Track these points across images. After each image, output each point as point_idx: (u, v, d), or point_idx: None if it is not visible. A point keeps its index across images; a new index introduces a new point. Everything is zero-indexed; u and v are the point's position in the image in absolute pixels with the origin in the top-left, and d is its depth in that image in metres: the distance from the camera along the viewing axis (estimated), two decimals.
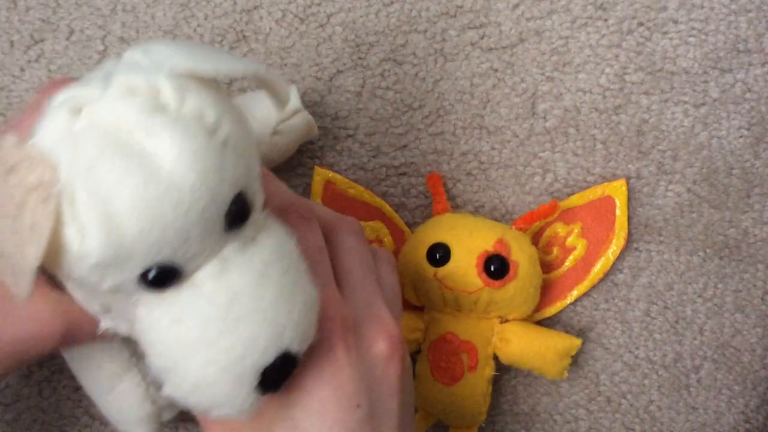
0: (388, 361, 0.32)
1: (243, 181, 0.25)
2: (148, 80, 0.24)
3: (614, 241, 0.47)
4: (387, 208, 0.47)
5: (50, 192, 0.22)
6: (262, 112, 0.41)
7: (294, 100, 0.42)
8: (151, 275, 0.24)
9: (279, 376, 0.26)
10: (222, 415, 0.26)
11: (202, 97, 0.24)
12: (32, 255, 0.22)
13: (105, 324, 0.30)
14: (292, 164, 0.47)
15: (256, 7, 0.47)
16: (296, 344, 0.26)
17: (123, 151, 0.23)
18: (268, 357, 0.25)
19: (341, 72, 0.47)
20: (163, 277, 0.24)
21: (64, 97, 0.24)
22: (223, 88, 0.27)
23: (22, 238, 0.22)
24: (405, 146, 0.47)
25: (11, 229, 0.22)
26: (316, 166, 0.46)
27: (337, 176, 0.46)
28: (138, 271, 0.24)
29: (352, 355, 0.30)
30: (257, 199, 0.27)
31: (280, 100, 0.29)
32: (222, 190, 0.24)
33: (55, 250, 0.23)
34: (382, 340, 0.32)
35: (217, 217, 0.24)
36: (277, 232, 0.28)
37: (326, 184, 0.46)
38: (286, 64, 0.47)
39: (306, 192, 0.47)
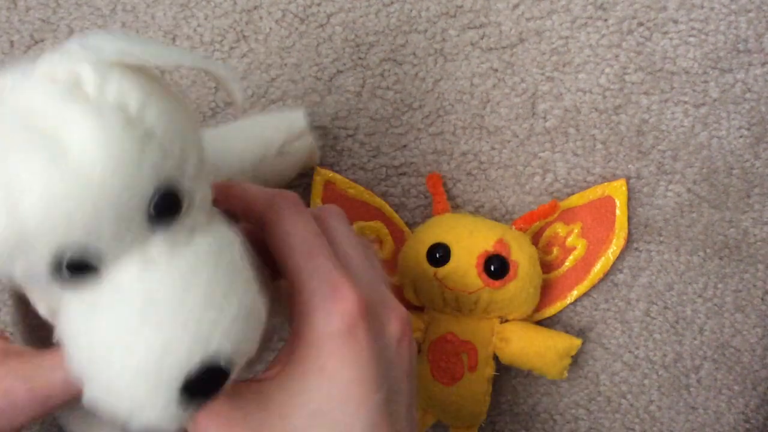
0: (400, 342, 0.31)
1: (171, 175, 0.24)
2: (70, 67, 0.23)
3: (614, 241, 0.47)
4: (387, 208, 0.47)
5: None
6: (269, 131, 0.41)
7: (301, 122, 0.42)
8: (64, 265, 0.23)
9: (205, 387, 0.24)
10: (144, 425, 0.24)
11: (126, 85, 0.23)
12: None
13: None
14: None
15: (256, 7, 0.47)
16: (226, 355, 0.24)
17: (32, 135, 0.22)
18: (190, 365, 0.23)
19: (341, 72, 0.47)
20: (76, 269, 0.23)
21: None
22: (161, 79, 0.25)
23: None
24: (405, 146, 0.48)
25: None
26: (316, 166, 0.46)
27: (337, 176, 0.46)
28: (46, 258, 0.23)
29: (371, 336, 0.29)
30: (195, 196, 0.25)
31: (230, 96, 0.28)
32: (140, 183, 0.23)
33: None
34: (395, 321, 0.31)
35: (137, 210, 0.23)
36: (219, 234, 0.26)
37: (326, 184, 0.46)
38: (286, 64, 0.47)
39: (306, 192, 0.47)
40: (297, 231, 0.29)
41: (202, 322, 0.24)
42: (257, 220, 0.31)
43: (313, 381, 0.28)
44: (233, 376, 0.25)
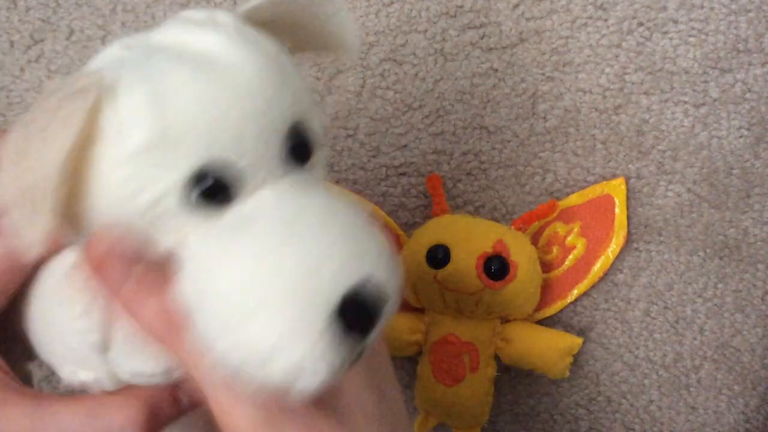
0: (380, 348, 0.30)
1: (304, 118, 0.24)
2: (208, 14, 0.24)
3: (614, 239, 0.47)
4: (381, 212, 0.47)
5: (89, 92, 0.21)
6: None
7: None
8: (203, 186, 0.21)
9: (360, 317, 0.21)
10: (290, 368, 0.20)
11: (261, 33, 0.24)
12: (61, 145, 0.20)
13: None
14: None
15: None
16: (379, 283, 0.21)
17: (181, 54, 0.22)
18: (345, 287, 0.21)
19: (341, 72, 0.47)
20: (211, 193, 0.22)
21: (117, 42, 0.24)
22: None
23: (51, 139, 0.20)
24: (405, 146, 0.47)
25: (41, 141, 0.21)
26: None
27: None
28: (185, 173, 0.21)
29: None
30: (319, 153, 0.24)
31: (340, 39, 0.27)
32: (281, 106, 0.23)
33: (90, 145, 0.21)
34: None
35: (276, 135, 0.23)
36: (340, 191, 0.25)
37: None
38: None
39: None
40: None
41: (349, 248, 0.22)
42: None
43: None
44: (387, 314, 0.22)
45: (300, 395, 0.21)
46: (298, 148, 0.24)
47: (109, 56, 0.24)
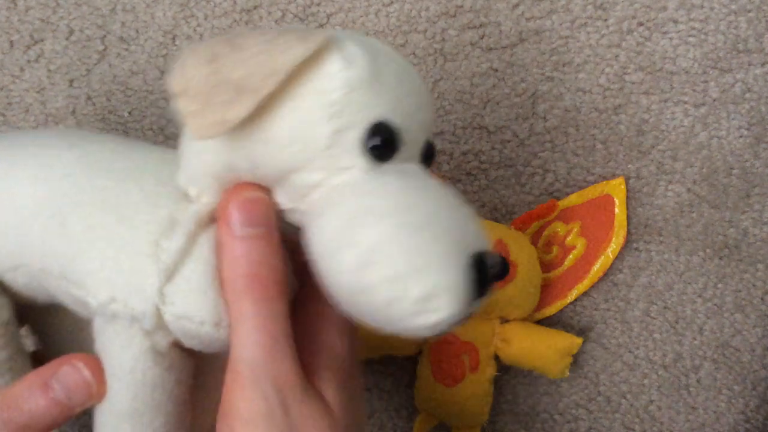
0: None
1: (431, 134, 0.28)
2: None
3: (614, 239, 0.47)
4: None
5: (322, 33, 0.25)
6: None
7: None
8: (382, 135, 0.25)
9: (486, 273, 0.24)
10: (432, 291, 0.23)
11: None
12: (294, 55, 0.24)
13: (282, 200, 0.27)
14: None
15: (255, 7, 0.47)
16: (489, 249, 0.26)
17: (373, 41, 0.27)
18: (482, 245, 0.25)
19: None
20: (386, 143, 0.25)
21: None
22: None
23: (283, 50, 0.24)
24: None
25: (267, 49, 0.24)
26: None
27: None
28: (375, 115, 0.25)
29: None
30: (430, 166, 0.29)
31: None
32: (431, 117, 0.28)
33: (311, 69, 0.25)
34: None
35: (424, 134, 0.27)
36: None
37: None
38: None
39: None
40: None
41: (471, 217, 0.26)
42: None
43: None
44: (492, 290, 0.25)
45: (423, 323, 0.24)
46: (427, 155, 0.28)
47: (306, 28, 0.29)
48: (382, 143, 0.25)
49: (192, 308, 0.26)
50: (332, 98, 0.24)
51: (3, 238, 0.28)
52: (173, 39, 0.47)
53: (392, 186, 0.25)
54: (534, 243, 0.46)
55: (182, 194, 0.27)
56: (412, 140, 0.26)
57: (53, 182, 0.28)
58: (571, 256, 0.47)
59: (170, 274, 0.26)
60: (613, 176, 0.48)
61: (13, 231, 0.28)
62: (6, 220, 0.28)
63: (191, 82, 0.24)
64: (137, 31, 0.47)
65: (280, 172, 0.26)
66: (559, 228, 0.47)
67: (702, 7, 0.47)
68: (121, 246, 0.26)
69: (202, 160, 0.26)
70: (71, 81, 0.47)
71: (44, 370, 0.28)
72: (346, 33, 0.26)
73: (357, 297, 0.24)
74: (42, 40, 0.47)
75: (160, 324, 0.26)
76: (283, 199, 0.27)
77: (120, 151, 0.29)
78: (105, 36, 0.47)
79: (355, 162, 0.25)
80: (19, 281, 0.29)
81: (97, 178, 0.28)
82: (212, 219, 0.27)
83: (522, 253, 0.43)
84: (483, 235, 0.25)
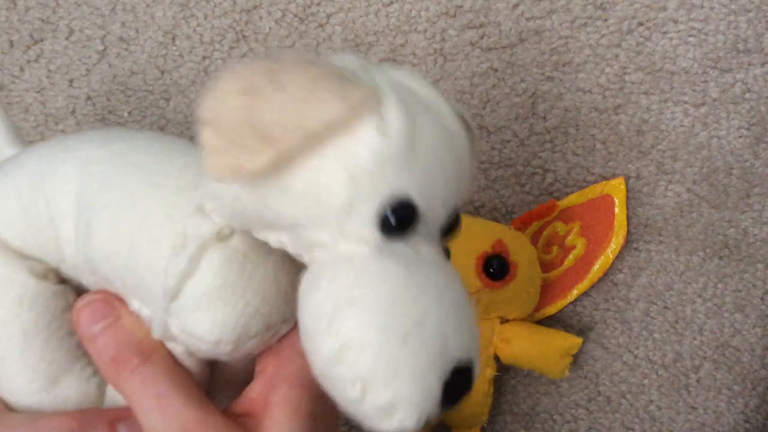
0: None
1: (460, 204, 0.26)
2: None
3: (613, 239, 0.47)
4: None
5: (366, 89, 0.23)
6: None
7: None
8: (402, 212, 0.23)
9: (458, 387, 0.23)
10: (392, 403, 0.22)
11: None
12: (320, 118, 0.22)
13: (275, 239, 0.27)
14: None
15: (255, 7, 0.47)
16: (474, 362, 0.24)
17: (409, 89, 0.25)
18: (456, 362, 0.23)
19: None
20: (403, 221, 0.24)
21: None
22: None
23: (318, 105, 0.23)
24: None
25: (304, 99, 0.23)
26: None
27: None
28: (400, 189, 0.23)
29: None
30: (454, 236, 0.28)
31: None
32: (463, 182, 0.25)
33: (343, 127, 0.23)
34: None
35: (450, 205, 0.25)
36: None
37: None
38: None
39: None
40: None
41: (469, 329, 0.24)
42: None
43: (305, 422, 0.28)
44: (464, 399, 0.24)
45: (385, 428, 0.23)
46: (450, 227, 0.26)
47: (352, 61, 0.25)
48: (399, 221, 0.23)
49: (192, 326, 0.27)
50: (358, 166, 0.23)
51: (50, 232, 0.30)
52: (173, 39, 0.47)
53: (392, 276, 0.23)
54: (534, 243, 0.46)
55: (198, 207, 0.27)
56: (434, 217, 0.25)
57: (85, 180, 0.29)
58: (571, 256, 0.47)
59: (174, 293, 0.26)
60: (613, 176, 0.48)
61: (51, 227, 0.30)
62: (51, 216, 0.30)
63: (220, 113, 0.23)
64: (137, 31, 0.47)
65: (289, 223, 0.25)
66: (559, 228, 0.47)
67: (702, 7, 0.47)
68: (137, 262, 0.27)
69: (220, 187, 0.26)
70: (71, 81, 0.47)
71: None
72: (393, 82, 0.25)
73: (326, 383, 0.23)
74: (42, 40, 0.47)
75: (169, 335, 0.28)
76: (289, 244, 0.26)
77: (156, 152, 0.30)
78: (105, 36, 0.47)
79: (366, 233, 0.24)
80: (69, 274, 0.31)
81: (127, 180, 0.29)
82: (220, 238, 0.27)
83: (522, 253, 0.43)
84: (469, 341, 0.24)
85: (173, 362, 0.29)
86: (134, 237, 0.28)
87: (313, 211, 0.24)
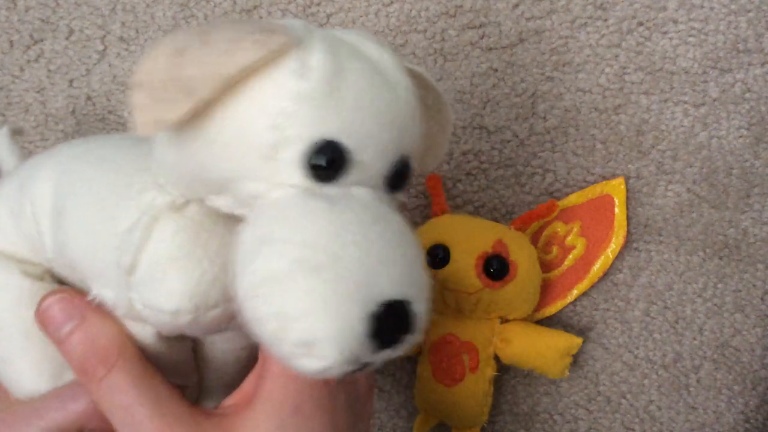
0: (367, 397, 0.33)
1: (410, 153, 0.26)
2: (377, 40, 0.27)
3: (613, 239, 0.47)
4: None
5: (283, 33, 0.23)
6: None
7: None
8: (330, 153, 0.23)
9: (392, 328, 0.22)
10: (322, 341, 0.22)
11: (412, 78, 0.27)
12: (244, 60, 0.23)
13: (219, 203, 0.27)
14: None
15: (255, 7, 0.47)
16: (420, 307, 0.23)
17: (353, 46, 0.25)
18: (386, 295, 0.22)
19: None
20: (333, 163, 0.23)
21: None
22: None
23: (235, 52, 0.23)
24: None
25: (222, 49, 0.23)
26: None
27: None
28: (325, 131, 0.23)
29: (344, 386, 0.31)
30: (405, 188, 0.27)
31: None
32: (408, 132, 0.26)
33: (263, 74, 0.23)
34: (364, 376, 0.33)
35: (391, 153, 0.25)
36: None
37: None
38: None
39: None
40: None
41: (407, 269, 0.24)
42: None
43: (287, 420, 0.28)
44: (407, 343, 0.23)
45: (306, 367, 0.22)
46: (396, 177, 0.26)
47: (293, 23, 0.26)
48: (326, 163, 0.23)
49: (150, 297, 0.26)
50: (277, 109, 0.23)
51: (36, 232, 0.31)
52: None
53: (312, 213, 0.23)
54: (534, 243, 0.46)
55: (154, 182, 0.27)
56: (370, 162, 0.24)
57: (60, 179, 0.30)
58: (571, 256, 0.47)
59: (131, 268, 0.26)
60: (613, 176, 0.48)
61: (37, 227, 0.30)
62: (36, 218, 0.30)
63: (150, 75, 0.23)
64: (137, 31, 0.47)
65: (223, 178, 0.25)
66: (559, 228, 0.47)
67: (702, 7, 0.47)
68: (97, 242, 0.28)
69: (162, 152, 0.26)
70: (71, 81, 0.47)
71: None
72: (327, 36, 0.25)
73: (250, 323, 0.23)
74: (42, 40, 0.47)
75: (134, 313, 0.27)
76: (231, 205, 0.26)
77: (121, 145, 0.30)
78: (105, 36, 0.47)
79: (295, 178, 0.24)
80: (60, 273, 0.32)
81: (90, 170, 0.29)
82: (174, 208, 0.27)
83: (522, 253, 0.43)
84: (404, 278, 0.23)
85: (141, 365, 0.28)
86: (94, 220, 0.28)
87: (241, 162, 0.24)
